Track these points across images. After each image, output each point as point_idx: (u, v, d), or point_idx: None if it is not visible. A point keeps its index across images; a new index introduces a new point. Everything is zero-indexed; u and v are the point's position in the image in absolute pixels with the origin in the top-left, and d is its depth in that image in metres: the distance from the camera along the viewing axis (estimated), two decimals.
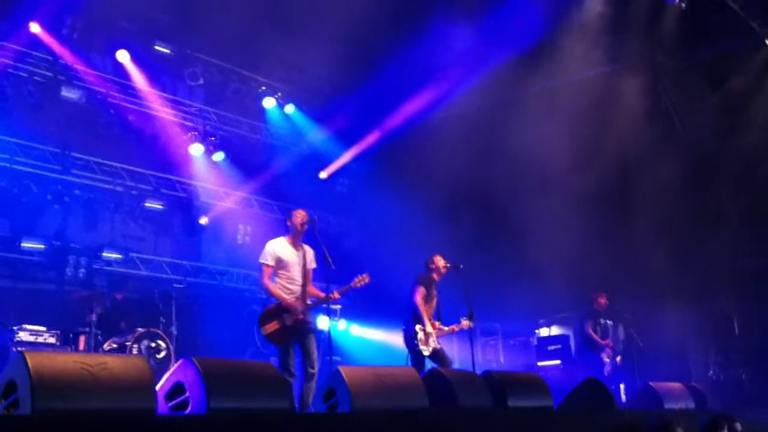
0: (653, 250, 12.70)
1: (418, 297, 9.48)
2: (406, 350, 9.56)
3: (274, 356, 8.37)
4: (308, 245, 8.57)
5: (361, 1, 11.58)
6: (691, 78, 14.29)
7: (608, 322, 12.36)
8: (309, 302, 8.31)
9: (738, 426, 7.31)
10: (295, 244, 8.41)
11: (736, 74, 13.53)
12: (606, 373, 11.85)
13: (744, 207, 13.07)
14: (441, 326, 9.67)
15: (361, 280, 8.60)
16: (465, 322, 9.71)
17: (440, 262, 9.79)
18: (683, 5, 12.26)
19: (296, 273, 8.28)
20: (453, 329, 9.77)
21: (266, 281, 8.24)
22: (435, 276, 9.75)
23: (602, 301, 12.44)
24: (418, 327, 9.39)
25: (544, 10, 12.69)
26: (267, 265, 8.25)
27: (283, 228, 8.62)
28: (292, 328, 8.07)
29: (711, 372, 13.43)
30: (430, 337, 9.42)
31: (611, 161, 13.28)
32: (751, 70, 13.39)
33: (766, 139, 13.14)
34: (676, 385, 9.47)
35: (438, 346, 9.49)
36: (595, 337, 12.16)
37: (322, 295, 8.32)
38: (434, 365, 9.10)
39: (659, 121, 13.75)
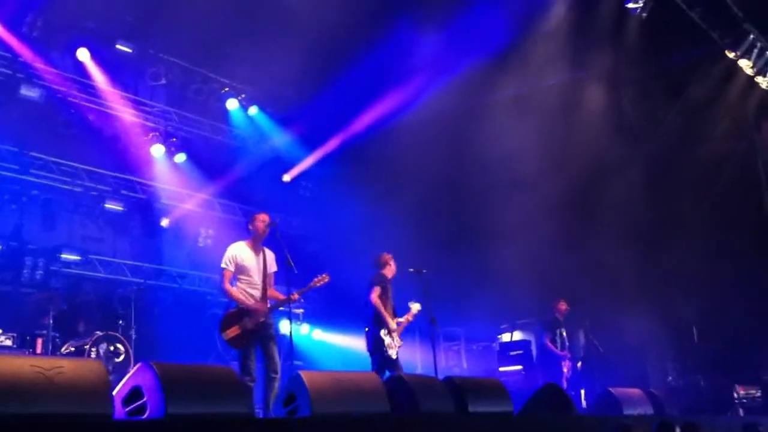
0: (615, 256, 12.84)
1: (375, 296, 9.45)
2: (368, 354, 9.55)
3: (236, 361, 8.30)
4: (269, 248, 8.55)
5: (327, 3, 11.58)
6: (653, 87, 14.47)
7: (563, 332, 12.36)
8: (269, 305, 8.28)
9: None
10: (256, 248, 8.38)
11: (697, 83, 13.74)
12: (565, 380, 11.92)
13: (705, 214, 13.24)
14: (398, 319, 9.65)
15: (321, 279, 8.59)
16: (414, 306, 9.69)
17: (390, 259, 9.79)
18: (644, 15, 12.41)
19: (257, 277, 8.26)
20: (408, 319, 9.72)
21: (227, 286, 8.23)
22: (387, 273, 9.73)
23: (562, 307, 12.50)
24: (383, 332, 9.35)
25: (510, 16, 12.78)
26: (227, 270, 8.24)
27: (245, 231, 8.57)
28: (254, 332, 8.03)
29: (669, 378, 13.59)
30: (395, 336, 9.42)
31: (575, 168, 13.41)
32: (712, 79, 13.60)
33: (727, 147, 13.36)
34: (635, 391, 9.56)
35: (401, 343, 9.53)
36: (553, 348, 12.19)
37: (283, 297, 8.29)
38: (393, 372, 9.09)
39: (623, 129, 13.90)
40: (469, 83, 13.81)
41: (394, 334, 9.42)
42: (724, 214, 13.04)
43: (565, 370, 12.10)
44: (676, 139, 13.70)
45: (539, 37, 13.17)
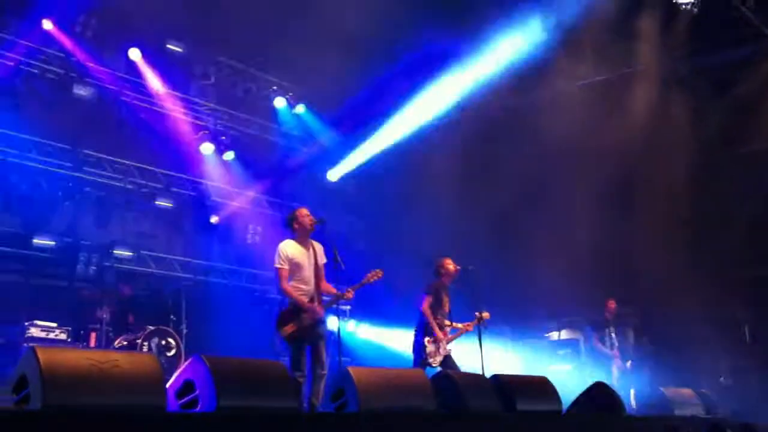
0: (664, 254, 12.67)
1: (425, 306, 9.45)
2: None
3: (286, 356, 8.35)
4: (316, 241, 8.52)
5: (373, 4, 11.61)
6: (700, 83, 14.24)
7: (613, 331, 12.22)
8: (323, 301, 8.27)
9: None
10: (305, 244, 8.34)
11: (745, 81, 13.49)
12: (615, 380, 11.80)
13: (752, 213, 13.01)
14: (455, 324, 9.63)
15: (375, 275, 8.48)
16: (483, 315, 9.63)
17: (450, 265, 9.72)
18: (695, 10, 12.22)
19: (308, 273, 8.22)
20: (467, 327, 9.71)
21: (285, 285, 8.10)
22: (445, 280, 9.70)
23: (611, 306, 12.37)
24: (426, 339, 9.36)
25: (556, 13, 12.69)
26: (283, 269, 8.15)
27: (287, 228, 8.53)
28: (309, 329, 8.05)
29: (721, 378, 13.36)
30: (441, 344, 9.41)
31: (621, 166, 13.26)
32: (760, 77, 13.34)
33: None
34: (687, 391, 9.44)
35: (448, 351, 9.49)
36: (603, 348, 12.07)
37: (335, 291, 8.27)
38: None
39: (668, 127, 13.69)
40: (513, 81, 13.70)
41: (441, 343, 9.42)
42: None
43: (614, 370, 11.97)
44: (722, 137, 13.46)
45: (585, 33, 13.02)
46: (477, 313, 9.64)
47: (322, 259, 8.37)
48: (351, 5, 11.78)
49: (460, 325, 9.70)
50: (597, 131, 13.32)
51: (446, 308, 9.65)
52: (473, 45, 13.65)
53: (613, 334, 12.17)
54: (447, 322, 9.62)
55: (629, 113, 13.79)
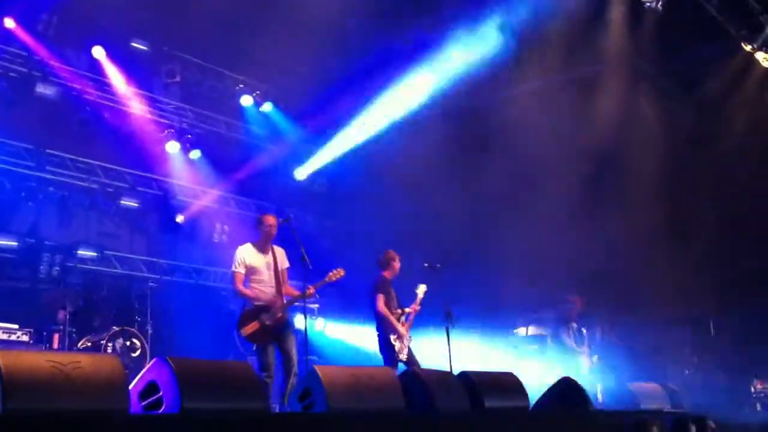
0: (631, 252, 12.77)
1: (381, 305, 9.47)
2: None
3: (254, 357, 8.36)
4: (281, 245, 8.60)
5: (340, 3, 11.59)
6: (668, 83, 14.37)
7: (573, 325, 12.25)
8: (285, 300, 8.31)
9: (711, 424, 7.36)
10: (263, 248, 8.46)
11: (713, 79, 13.63)
12: (583, 373, 11.85)
13: (722, 210, 13.15)
14: (406, 310, 9.66)
15: (336, 274, 8.61)
16: (420, 289, 9.70)
17: (394, 256, 9.79)
18: (660, 9, 12.32)
19: (267, 277, 8.35)
20: (415, 308, 9.71)
21: (239, 287, 8.32)
22: (388, 275, 9.74)
23: (576, 302, 12.42)
24: (392, 337, 9.39)
25: (525, 12, 12.74)
26: (238, 272, 8.33)
27: (256, 230, 8.64)
28: (271, 328, 8.07)
29: (687, 372, 13.51)
30: (405, 337, 9.44)
31: (591, 164, 13.35)
32: (728, 75, 13.49)
33: (742, 143, 13.25)
34: (653, 386, 9.52)
35: (410, 340, 9.55)
36: (571, 342, 12.11)
37: (298, 293, 8.33)
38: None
39: (638, 126, 13.80)
40: (486, 79, 13.72)
41: (404, 336, 9.45)
42: (741, 208, 12.94)
43: (582, 365, 11.98)
44: (691, 135, 13.60)
45: (554, 32, 13.07)
46: (416, 288, 9.71)
47: (284, 264, 8.54)
48: (319, 3, 11.74)
49: (409, 309, 9.72)
50: (566, 132, 13.40)
51: (395, 299, 9.69)
52: (439, 44, 13.64)
53: (584, 329, 12.23)
54: (399, 311, 9.65)
55: (597, 113, 13.86)
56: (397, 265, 9.80)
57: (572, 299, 12.40)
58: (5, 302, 11.30)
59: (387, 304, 9.54)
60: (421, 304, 9.73)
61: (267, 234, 8.46)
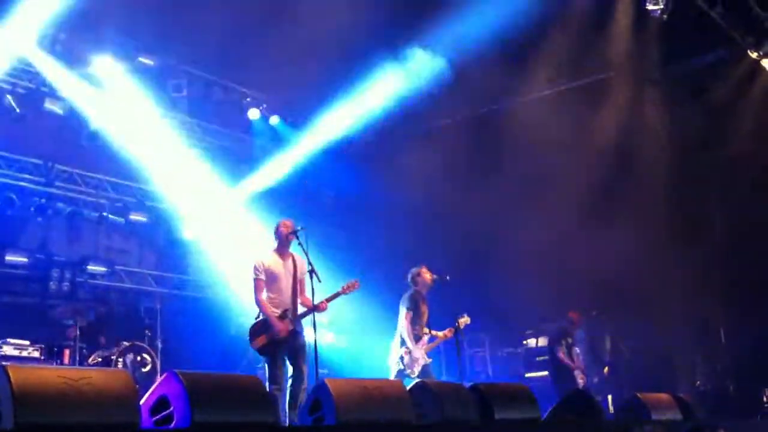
0: (639, 259, 12.72)
1: (406, 322, 9.45)
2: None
3: (262, 368, 8.32)
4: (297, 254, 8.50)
5: (348, 14, 11.60)
6: (675, 90, 14.36)
7: (569, 341, 12.10)
8: (298, 312, 8.24)
9: None
10: (283, 255, 8.35)
11: (719, 85, 13.62)
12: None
13: (729, 216, 13.11)
14: (434, 332, 9.63)
15: (351, 286, 8.46)
16: (462, 321, 9.67)
17: (426, 275, 9.74)
18: (665, 17, 12.32)
19: (284, 284, 8.22)
20: (447, 334, 9.70)
21: (260, 296, 8.13)
22: (423, 290, 9.70)
23: (574, 317, 12.28)
24: (403, 350, 9.35)
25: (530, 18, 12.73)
26: (259, 279, 8.16)
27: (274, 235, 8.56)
28: (282, 342, 8.02)
29: (698, 382, 13.43)
30: (421, 354, 9.40)
31: (598, 171, 13.32)
32: (734, 80, 13.48)
33: (749, 149, 13.22)
34: (663, 396, 9.45)
35: (427, 361, 9.48)
36: (566, 359, 11.96)
37: (311, 303, 8.25)
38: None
39: (644, 132, 13.79)
40: (490, 87, 13.73)
41: (418, 353, 9.40)
42: (749, 215, 12.89)
43: (580, 380, 11.80)
44: (698, 141, 13.57)
45: (561, 39, 13.08)
46: (457, 318, 9.66)
47: (303, 272, 8.31)
48: (325, 15, 11.77)
49: (439, 334, 9.70)
50: (572, 139, 13.39)
51: (425, 317, 9.65)
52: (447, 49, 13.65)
53: (576, 348, 12.11)
54: (426, 330, 9.62)
55: (604, 120, 13.86)
56: (427, 276, 9.73)
57: (570, 315, 12.30)
58: (16, 318, 11.37)
59: (413, 319, 9.50)
60: (457, 334, 9.64)
61: (284, 239, 8.34)
